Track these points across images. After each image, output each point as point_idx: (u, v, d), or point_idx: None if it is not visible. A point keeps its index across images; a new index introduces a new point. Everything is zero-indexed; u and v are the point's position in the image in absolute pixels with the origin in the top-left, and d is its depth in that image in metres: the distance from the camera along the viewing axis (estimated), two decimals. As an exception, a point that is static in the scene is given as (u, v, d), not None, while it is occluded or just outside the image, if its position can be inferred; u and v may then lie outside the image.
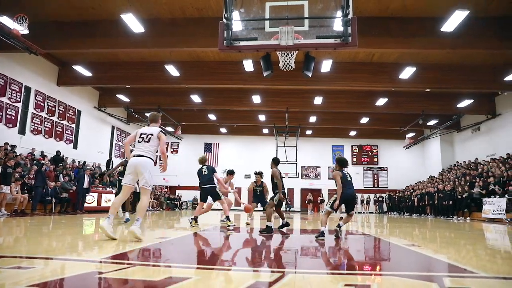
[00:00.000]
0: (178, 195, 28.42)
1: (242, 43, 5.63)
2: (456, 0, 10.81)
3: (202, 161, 8.26)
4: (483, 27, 12.18)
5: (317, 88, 18.35)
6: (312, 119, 23.68)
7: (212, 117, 23.98)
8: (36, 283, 2.34)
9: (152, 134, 5.05)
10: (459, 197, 17.25)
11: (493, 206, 14.87)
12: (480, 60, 15.61)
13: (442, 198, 18.33)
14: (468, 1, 10.93)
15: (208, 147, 30.46)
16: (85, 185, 14.16)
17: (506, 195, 14.47)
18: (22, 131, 15.74)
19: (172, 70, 16.11)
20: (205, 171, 7.97)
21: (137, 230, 4.72)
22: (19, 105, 15.53)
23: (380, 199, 27.79)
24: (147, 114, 5.43)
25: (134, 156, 5.00)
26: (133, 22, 11.76)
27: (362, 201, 27.15)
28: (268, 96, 20.11)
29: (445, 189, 18.60)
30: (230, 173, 10.24)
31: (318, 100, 19.56)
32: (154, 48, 13.92)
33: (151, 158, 5.02)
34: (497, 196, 15.05)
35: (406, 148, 26.63)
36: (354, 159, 29.74)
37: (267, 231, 6.68)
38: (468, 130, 23.27)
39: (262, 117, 23.95)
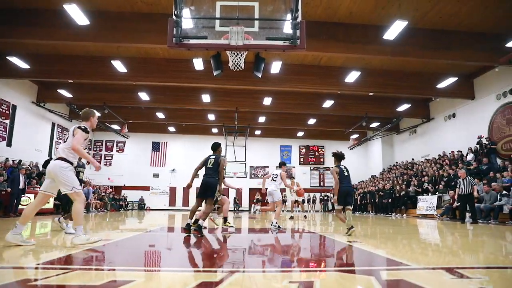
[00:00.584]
0: (123, 195, 27.42)
1: (192, 41, 5.56)
2: (396, 10, 11.51)
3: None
4: (420, 37, 13.11)
5: (267, 88, 18.61)
6: (261, 119, 23.99)
7: (160, 115, 23.41)
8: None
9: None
10: (397, 195, 18.41)
11: (426, 203, 16.10)
12: (417, 67, 16.76)
13: (382, 196, 19.43)
14: (407, 12, 11.70)
15: (155, 146, 29.72)
16: (21, 185, 13.19)
17: (437, 193, 15.72)
18: None
19: (119, 66, 15.51)
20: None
21: (77, 240, 4.46)
22: None
23: (325, 198, 28.75)
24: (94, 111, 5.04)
25: None
26: (77, 14, 11.16)
27: (308, 200, 27.96)
28: (218, 95, 20.04)
29: (385, 188, 19.73)
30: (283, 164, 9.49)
31: (267, 101, 19.85)
32: (100, 42, 13.25)
33: (64, 159, 4.55)
34: (430, 194, 16.30)
35: (351, 149, 27.83)
36: (302, 159, 30.54)
37: (198, 229, 6.13)
38: (406, 132, 24.86)
39: (211, 117, 23.81)
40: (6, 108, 17.99)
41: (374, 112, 21.54)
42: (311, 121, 24.22)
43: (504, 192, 12.12)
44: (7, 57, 15.28)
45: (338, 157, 6.71)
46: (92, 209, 19.56)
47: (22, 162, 17.28)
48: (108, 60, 15.42)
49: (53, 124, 22.71)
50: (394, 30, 11.86)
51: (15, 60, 15.25)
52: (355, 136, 27.01)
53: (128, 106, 22.15)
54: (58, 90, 19.21)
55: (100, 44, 14.16)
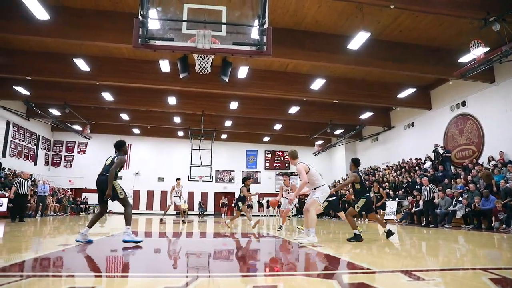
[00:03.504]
0: (84, 198, 26.38)
1: (158, 42, 5.47)
2: (360, 22, 11.91)
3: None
4: (381, 49, 13.64)
5: (233, 93, 18.60)
6: (228, 123, 23.95)
7: (124, 116, 22.78)
8: None
9: None
10: (359, 200, 18.94)
11: (386, 208, 16.65)
12: (379, 77, 17.40)
13: (343, 201, 19.91)
14: (370, 24, 12.14)
15: (119, 148, 28.87)
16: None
17: (397, 199, 16.32)
18: None
19: (82, 64, 14.91)
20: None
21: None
22: None
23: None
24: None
25: None
26: (36, 7, 10.63)
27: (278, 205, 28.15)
28: (184, 98, 19.81)
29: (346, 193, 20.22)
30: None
31: (233, 105, 19.86)
32: (61, 38, 12.70)
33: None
34: (390, 200, 16.88)
35: (315, 154, 28.35)
36: (267, 164, 30.75)
37: (356, 239, 6.72)
38: (368, 139, 25.67)
39: (177, 119, 23.48)
40: (-45, 105, 16.83)
41: (338, 119, 22.08)
42: (277, 127, 24.48)
43: (459, 198, 12.81)
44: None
45: (355, 162, 7.13)
46: (50, 212, 18.70)
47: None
48: (69, 58, 14.79)
49: (8, 123, 21.45)
50: (358, 40, 12.24)
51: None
52: (319, 142, 27.56)
53: (91, 106, 21.39)
54: (14, 87, 18.20)
55: (61, 41, 13.57)
